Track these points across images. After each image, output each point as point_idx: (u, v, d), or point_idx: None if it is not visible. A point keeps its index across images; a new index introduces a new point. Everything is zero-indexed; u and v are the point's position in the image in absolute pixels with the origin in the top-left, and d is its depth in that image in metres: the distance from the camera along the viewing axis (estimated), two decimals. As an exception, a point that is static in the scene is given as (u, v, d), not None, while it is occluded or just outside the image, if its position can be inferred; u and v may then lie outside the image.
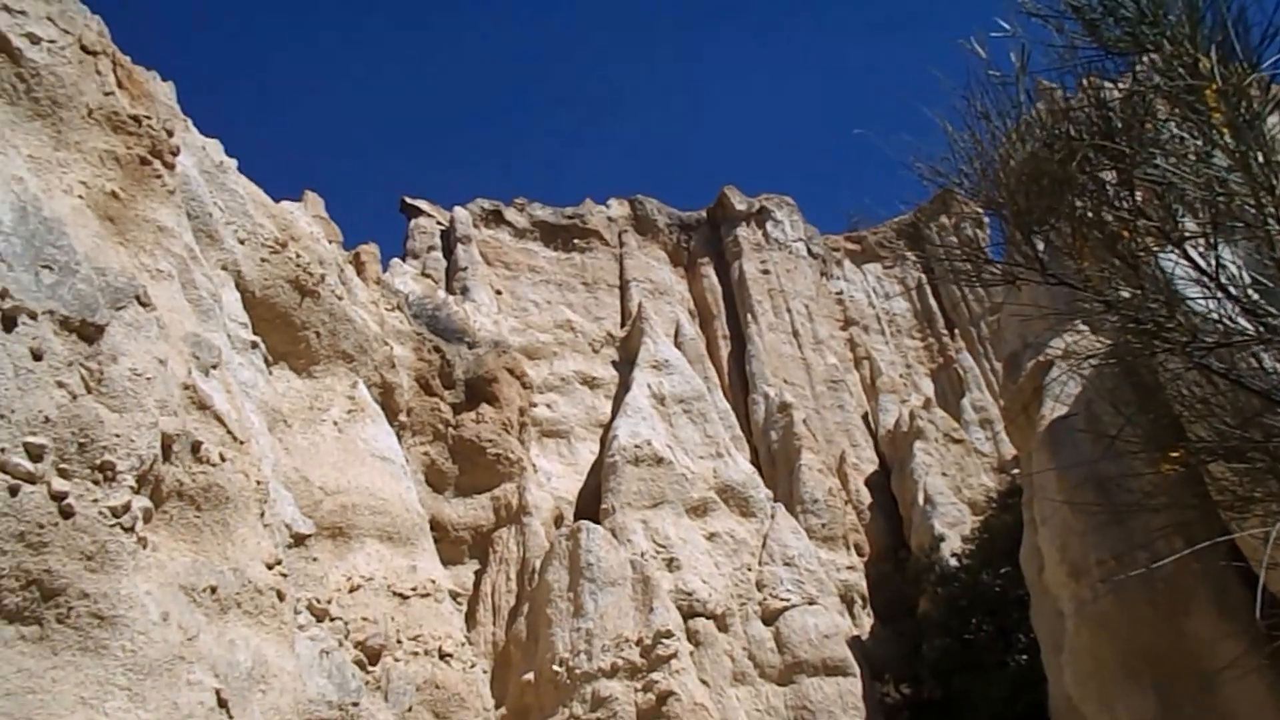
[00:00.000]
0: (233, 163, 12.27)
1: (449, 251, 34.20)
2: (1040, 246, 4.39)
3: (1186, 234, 3.89)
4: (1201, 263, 4.08)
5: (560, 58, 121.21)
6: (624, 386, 27.50)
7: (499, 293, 33.37)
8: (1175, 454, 4.83)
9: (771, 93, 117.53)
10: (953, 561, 24.87)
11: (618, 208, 40.08)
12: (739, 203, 40.45)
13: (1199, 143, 3.74)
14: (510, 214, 37.38)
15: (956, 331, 39.67)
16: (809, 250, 41.32)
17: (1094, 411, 8.22)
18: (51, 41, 8.67)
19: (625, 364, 29.08)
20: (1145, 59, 4.26)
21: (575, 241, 37.74)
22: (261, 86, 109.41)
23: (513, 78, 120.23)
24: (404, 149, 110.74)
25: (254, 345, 10.43)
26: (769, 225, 40.56)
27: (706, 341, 36.00)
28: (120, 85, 9.61)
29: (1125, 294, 3.87)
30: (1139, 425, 5.20)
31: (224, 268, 10.97)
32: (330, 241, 14.69)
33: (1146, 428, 5.53)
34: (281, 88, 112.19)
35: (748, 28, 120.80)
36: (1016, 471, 24.55)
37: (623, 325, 33.74)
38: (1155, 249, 4.33)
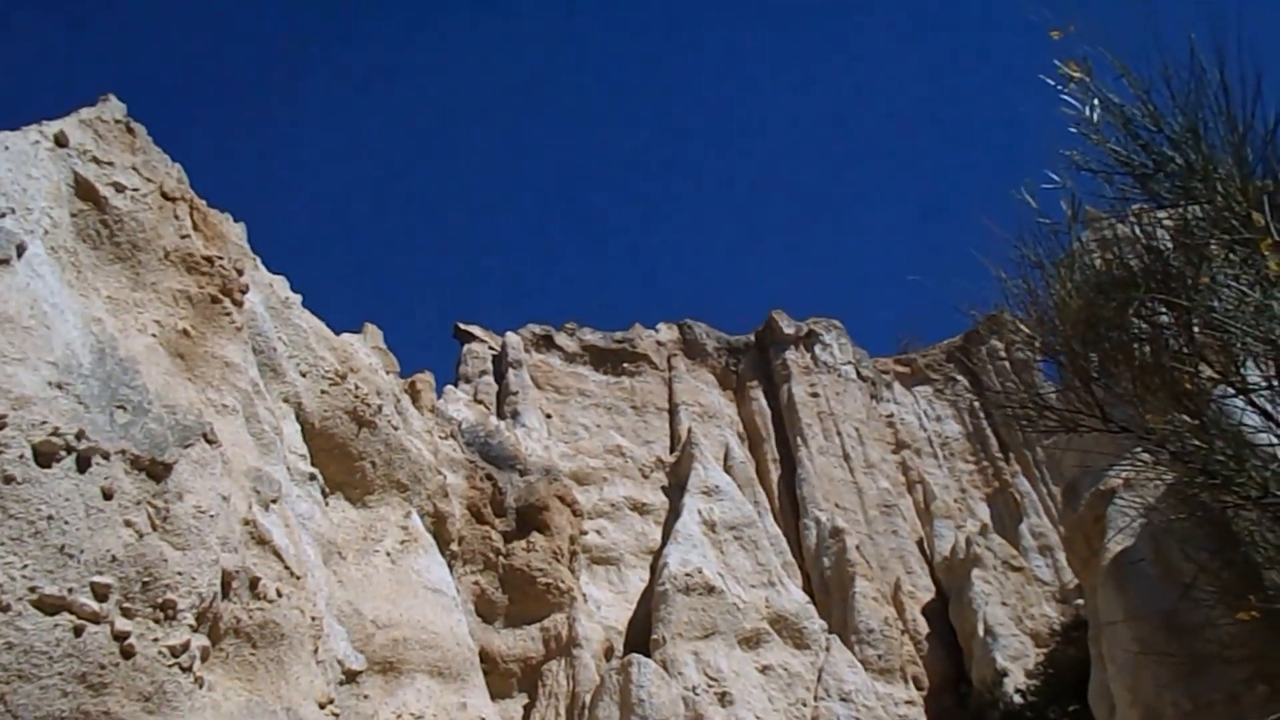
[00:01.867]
0: (297, 298, 12.69)
1: (500, 376, 34.67)
2: (1099, 393, 4.38)
3: (1250, 384, 3.86)
4: (1270, 410, 4.03)
5: (610, 184, 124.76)
6: (674, 513, 27.27)
7: (549, 416, 33.60)
8: (1254, 602, 4.68)
9: (819, 218, 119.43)
10: (1017, 698, 23.87)
11: (666, 332, 40.49)
12: (787, 326, 40.68)
13: (1256, 294, 3.76)
14: (560, 339, 37.93)
15: (1011, 455, 38.92)
16: (858, 373, 41.21)
17: (1162, 549, 7.98)
18: (135, 190, 9.15)
19: (675, 489, 28.90)
20: (1196, 209, 4.31)
21: (625, 365, 38.08)
22: (324, 221, 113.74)
23: (563, 204, 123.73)
24: (458, 276, 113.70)
25: (312, 477, 10.57)
26: (817, 348, 40.65)
27: (756, 465, 35.71)
28: (196, 228, 10.07)
29: (1192, 446, 3.82)
30: (1213, 571, 5.05)
31: (285, 400, 11.23)
32: (388, 372, 15.00)
33: (1220, 573, 5.36)
34: (343, 221, 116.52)
35: (796, 154, 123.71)
36: (1080, 602, 23.71)
37: (672, 449, 33.66)
38: (1218, 396, 4.29)
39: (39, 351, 6.41)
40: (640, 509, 29.18)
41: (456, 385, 32.70)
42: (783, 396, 38.15)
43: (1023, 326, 4.50)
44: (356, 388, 12.40)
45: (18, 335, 6.37)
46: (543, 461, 22.90)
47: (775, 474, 35.66)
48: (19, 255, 6.95)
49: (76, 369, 6.59)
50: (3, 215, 7.23)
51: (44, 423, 5.98)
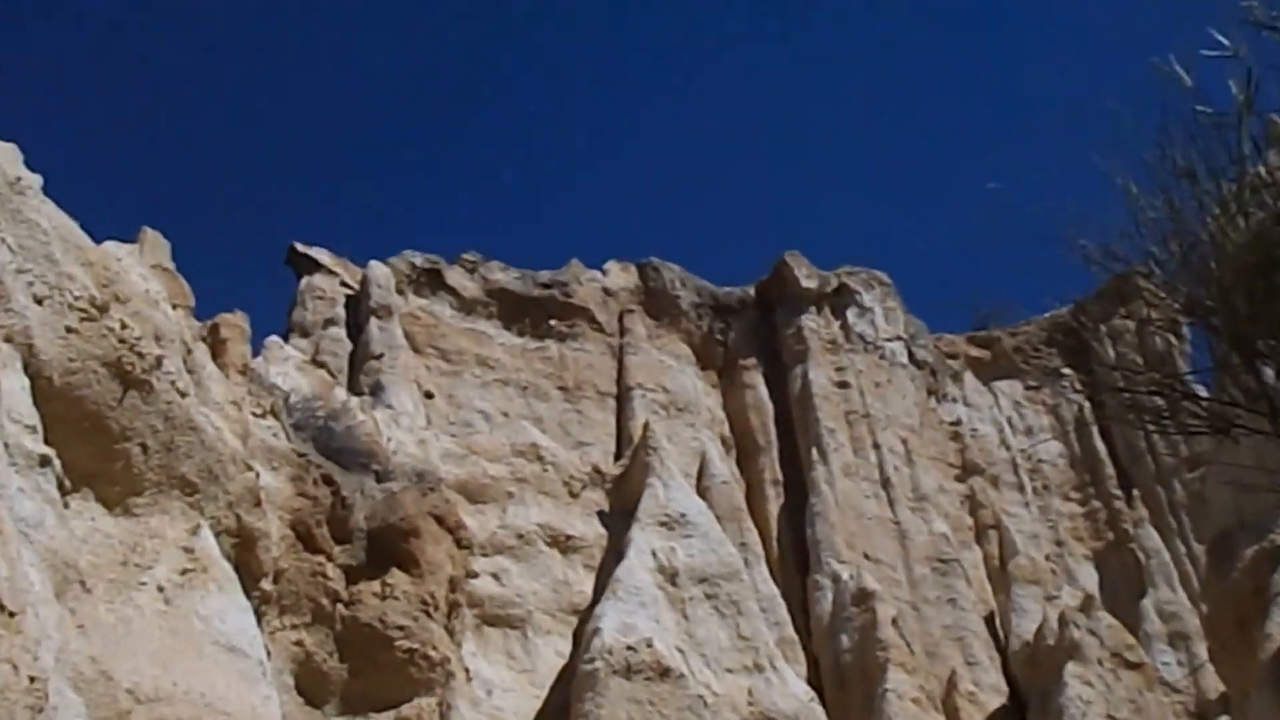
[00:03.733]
0: (36, 179, 12.43)
1: (357, 328, 34.48)
2: (1270, 376, 4.36)
3: None
4: None
5: (544, 64, 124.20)
6: (615, 552, 27.36)
7: (429, 395, 33.53)
8: None
9: (858, 125, 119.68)
10: None
11: (620, 275, 40.43)
12: (806, 277, 40.76)
13: None
14: (454, 276, 37.73)
15: (1136, 492, 39.49)
16: (911, 355, 41.52)
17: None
18: None
19: (619, 516, 28.98)
20: None
21: (551, 323, 38.01)
22: (90, 95, 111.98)
23: (471, 90, 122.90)
24: (299, 180, 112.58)
25: (45, 461, 10.42)
26: (850, 314, 40.85)
27: (747, 488, 35.94)
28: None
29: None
30: None
31: (8, 339, 11.03)
32: (175, 306, 14.83)
33: None
34: (124, 94, 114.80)
35: (816, 28, 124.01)
36: (1226, 719, 24.17)
37: (618, 456, 33.74)
38: None
39: None
40: (562, 545, 29.24)
41: (287, 338, 32.49)
42: (793, 384, 38.36)
43: (1159, 266, 4.48)
44: (122, 326, 12.24)
45: None
46: (415, 462, 22.82)
47: (776, 502, 35.92)
48: None
49: None
50: None
51: None
